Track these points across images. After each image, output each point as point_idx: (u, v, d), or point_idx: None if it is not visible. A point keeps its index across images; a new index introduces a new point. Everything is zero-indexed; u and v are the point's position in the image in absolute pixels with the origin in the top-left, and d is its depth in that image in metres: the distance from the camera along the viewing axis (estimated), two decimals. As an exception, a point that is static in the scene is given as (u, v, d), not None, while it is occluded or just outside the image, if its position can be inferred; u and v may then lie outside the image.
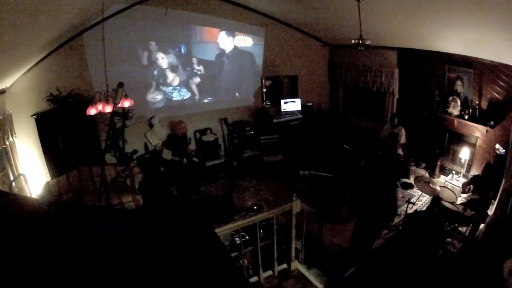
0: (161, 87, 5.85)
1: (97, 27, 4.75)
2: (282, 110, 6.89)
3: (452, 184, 4.86)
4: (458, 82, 4.98)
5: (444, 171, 5.49)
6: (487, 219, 3.60)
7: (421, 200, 4.76)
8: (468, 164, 5.02)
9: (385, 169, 2.84)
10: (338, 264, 3.57)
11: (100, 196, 3.40)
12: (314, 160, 6.02)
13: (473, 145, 4.99)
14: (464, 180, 4.95)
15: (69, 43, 4.67)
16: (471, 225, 3.71)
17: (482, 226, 3.64)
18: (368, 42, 3.73)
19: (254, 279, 3.27)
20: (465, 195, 4.30)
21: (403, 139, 5.10)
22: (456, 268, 3.24)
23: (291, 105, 6.94)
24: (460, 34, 4.07)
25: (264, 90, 6.83)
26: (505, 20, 3.04)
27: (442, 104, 5.19)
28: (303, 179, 3.25)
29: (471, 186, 4.29)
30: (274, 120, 6.69)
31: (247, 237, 3.29)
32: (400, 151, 5.10)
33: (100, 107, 3.52)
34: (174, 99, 6.02)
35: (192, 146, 5.28)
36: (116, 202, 4.27)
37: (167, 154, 4.64)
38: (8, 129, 3.69)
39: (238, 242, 3.16)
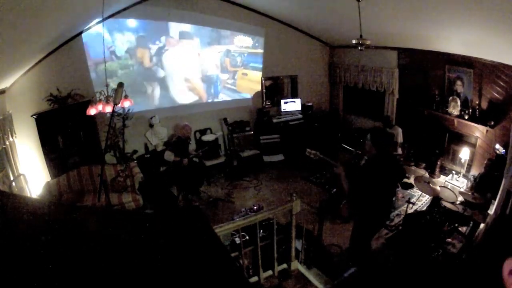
0: (161, 87, 5.85)
1: (97, 26, 4.77)
2: (282, 110, 6.89)
3: (452, 184, 4.87)
4: (458, 82, 4.98)
5: (444, 171, 5.49)
6: (487, 219, 3.60)
7: (421, 200, 4.76)
8: (468, 164, 5.02)
9: (384, 169, 2.84)
10: (338, 264, 3.57)
11: (100, 196, 3.40)
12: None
13: (473, 145, 4.99)
14: (465, 180, 4.96)
15: (69, 43, 4.66)
16: (471, 223, 3.71)
17: (482, 226, 3.64)
18: (368, 42, 3.73)
19: (254, 279, 3.26)
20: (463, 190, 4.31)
21: (400, 138, 5.13)
22: (456, 268, 3.23)
23: (291, 105, 6.94)
24: (460, 34, 4.07)
25: (264, 90, 6.83)
26: (505, 20, 3.05)
27: (442, 104, 5.20)
28: (309, 160, 3.23)
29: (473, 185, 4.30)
30: (274, 120, 6.69)
31: (247, 237, 3.29)
32: (399, 151, 5.12)
33: (100, 107, 3.52)
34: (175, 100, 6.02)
35: (192, 146, 5.27)
36: (116, 202, 4.28)
37: (169, 156, 4.63)
38: (8, 129, 3.69)
39: (238, 242, 3.16)
